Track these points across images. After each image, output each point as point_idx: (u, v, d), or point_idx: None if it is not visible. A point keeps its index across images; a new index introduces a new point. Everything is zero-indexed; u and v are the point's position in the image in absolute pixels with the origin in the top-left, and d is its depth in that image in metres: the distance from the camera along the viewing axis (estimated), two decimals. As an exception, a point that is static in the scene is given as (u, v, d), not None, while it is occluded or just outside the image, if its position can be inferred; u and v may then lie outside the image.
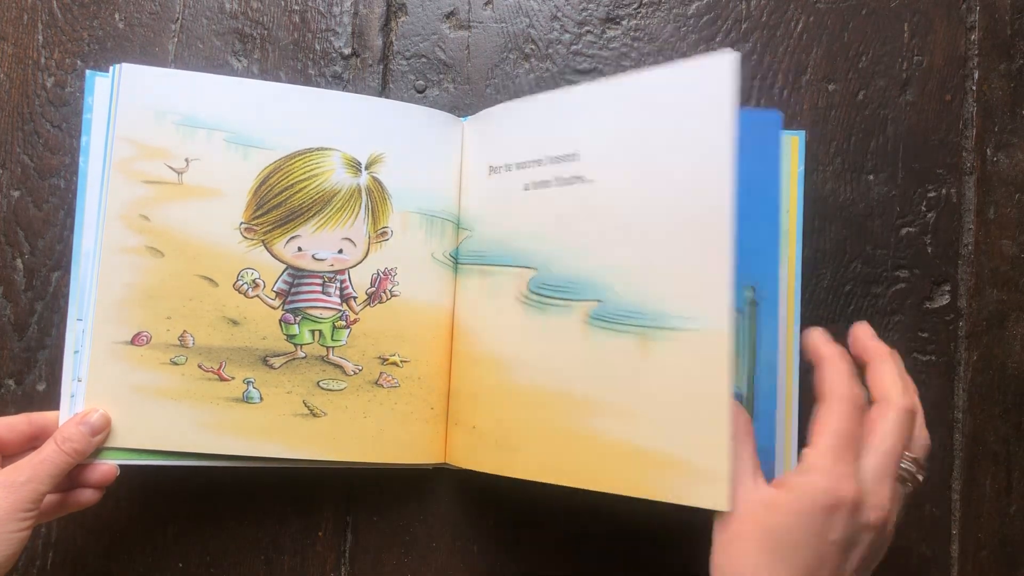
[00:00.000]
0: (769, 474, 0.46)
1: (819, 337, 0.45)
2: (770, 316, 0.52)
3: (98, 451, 0.49)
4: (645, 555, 0.56)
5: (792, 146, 0.57)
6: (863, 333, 0.46)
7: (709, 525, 0.41)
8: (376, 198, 0.53)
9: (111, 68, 0.51)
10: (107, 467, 0.49)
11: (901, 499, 0.42)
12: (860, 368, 0.45)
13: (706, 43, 0.59)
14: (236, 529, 0.56)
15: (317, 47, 0.58)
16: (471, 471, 0.52)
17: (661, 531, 0.57)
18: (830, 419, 0.41)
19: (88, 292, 0.50)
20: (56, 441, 0.46)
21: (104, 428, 0.48)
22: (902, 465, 0.41)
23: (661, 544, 0.57)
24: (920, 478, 0.42)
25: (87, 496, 0.49)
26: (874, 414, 0.41)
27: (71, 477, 0.48)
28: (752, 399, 0.51)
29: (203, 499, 0.56)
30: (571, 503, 0.57)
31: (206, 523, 0.56)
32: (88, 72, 0.52)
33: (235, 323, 0.51)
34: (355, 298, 0.53)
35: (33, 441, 0.48)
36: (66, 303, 0.55)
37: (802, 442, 0.52)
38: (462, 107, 0.58)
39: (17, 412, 0.53)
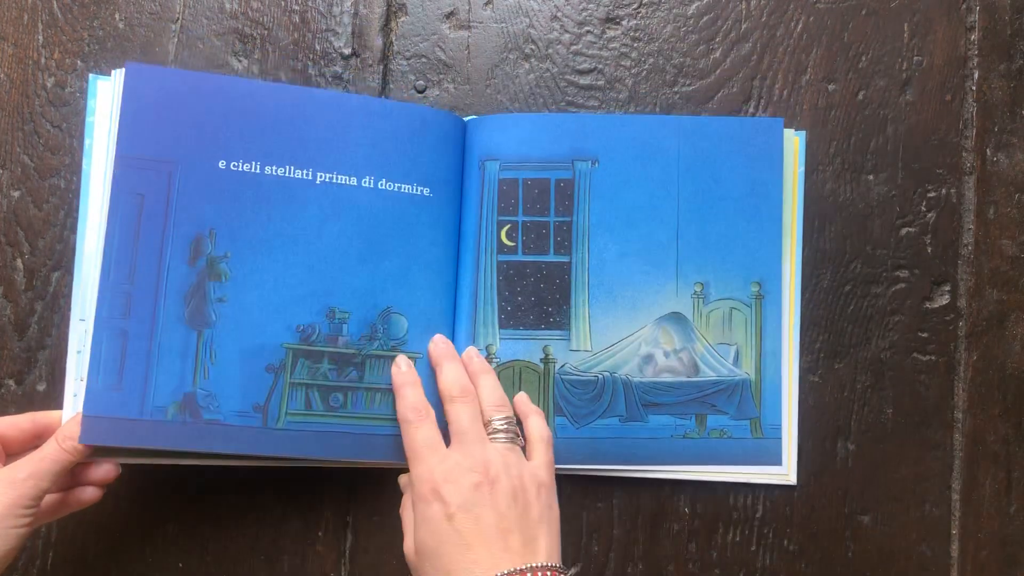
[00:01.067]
0: (775, 451, 0.56)
1: (393, 369, 0.52)
2: (774, 309, 0.56)
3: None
4: (646, 553, 0.56)
5: (792, 146, 0.57)
6: (431, 344, 0.53)
7: None
8: None
9: (112, 72, 0.52)
10: (108, 466, 0.49)
11: (514, 452, 0.49)
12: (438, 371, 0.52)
13: (706, 43, 0.59)
14: (236, 529, 0.56)
15: (317, 47, 0.58)
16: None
17: (662, 530, 0.57)
18: (405, 442, 0.49)
19: (91, 293, 0.50)
20: (57, 439, 0.47)
21: None
22: (492, 428, 0.49)
23: (662, 543, 0.57)
24: (513, 431, 0.50)
25: (88, 494, 0.49)
26: (448, 410, 0.50)
27: (73, 475, 0.49)
28: (759, 383, 0.55)
29: (203, 499, 0.56)
30: (571, 503, 0.57)
31: (206, 523, 0.56)
32: (91, 75, 0.52)
33: None
34: None
35: (36, 440, 0.49)
36: (66, 303, 0.55)
37: (802, 422, 0.57)
38: (462, 107, 0.58)
39: (17, 412, 0.53)
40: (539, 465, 0.49)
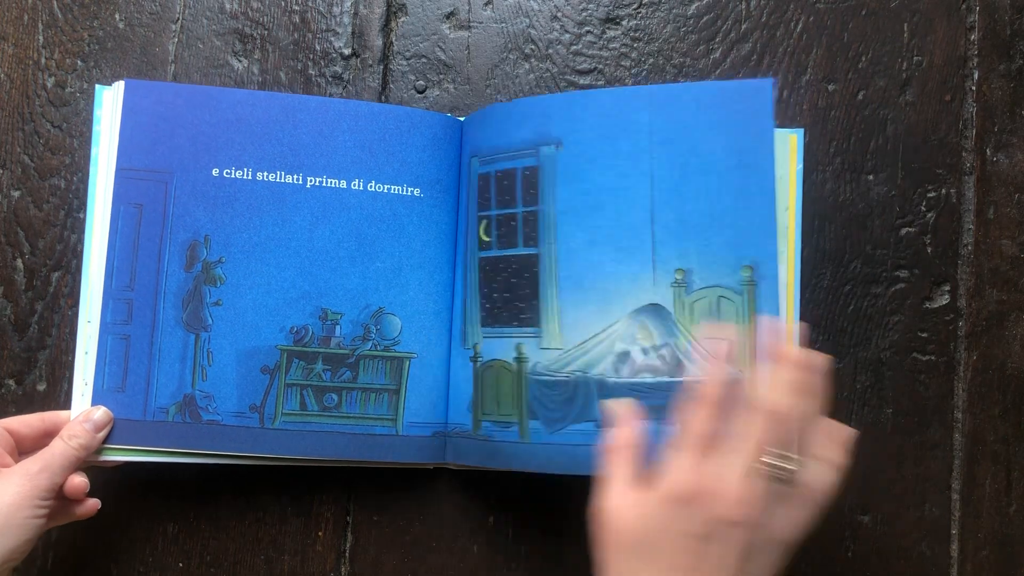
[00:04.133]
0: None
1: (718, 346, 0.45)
2: (770, 295, 0.49)
3: (102, 448, 0.51)
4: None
5: (790, 144, 0.57)
6: (774, 332, 0.46)
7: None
8: None
9: (113, 85, 0.53)
10: (92, 503, 0.50)
11: (778, 497, 0.40)
12: None
13: (706, 43, 0.59)
14: (236, 529, 0.56)
15: (317, 47, 0.58)
16: (471, 471, 0.52)
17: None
18: (688, 420, 0.42)
19: (97, 296, 0.52)
20: (63, 438, 0.49)
21: (107, 424, 0.50)
22: (765, 461, 0.40)
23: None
24: (792, 474, 0.41)
25: (87, 507, 0.51)
26: (742, 415, 0.42)
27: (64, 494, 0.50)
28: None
29: (203, 499, 0.56)
30: (570, 501, 0.57)
31: (206, 523, 0.56)
32: (97, 86, 0.53)
33: None
34: None
35: (46, 438, 0.50)
36: (66, 303, 0.55)
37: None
38: (462, 107, 0.58)
39: (17, 412, 0.54)
40: (781, 528, 0.41)
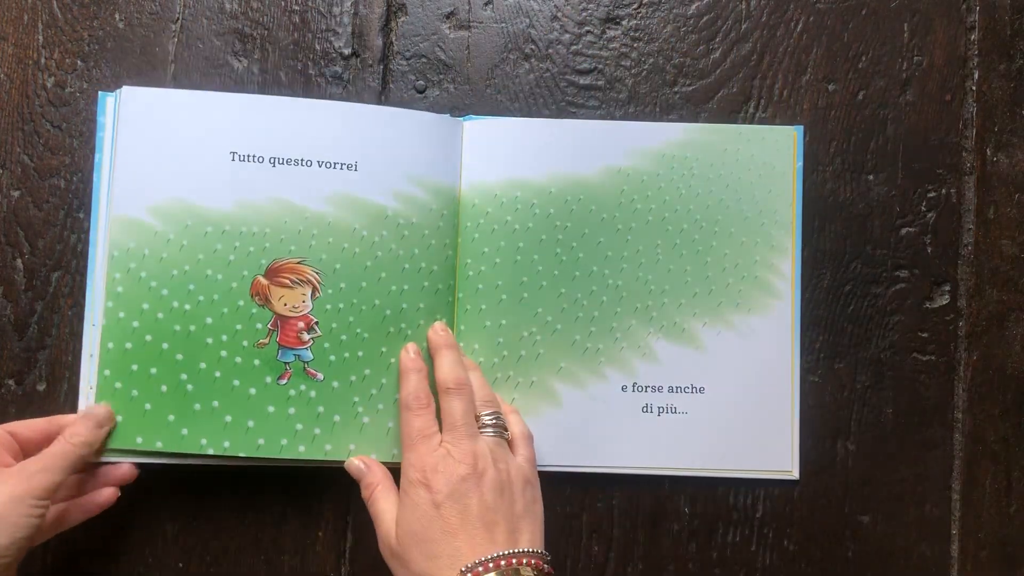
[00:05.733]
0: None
1: (402, 354, 0.53)
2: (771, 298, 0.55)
3: (104, 449, 0.51)
4: (646, 553, 0.56)
5: (791, 141, 0.57)
6: (431, 331, 0.54)
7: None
8: None
9: (115, 92, 0.54)
10: (127, 466, 0.52)
11: (501, 447, 0.50)
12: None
13: (706, 43, 0.59)
14: (236, 529, 0.56)
15: (317, 47, 0.58)
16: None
17: (661, 530, 0.57)
18: (402, 426, 0.50)
19: (100, 300, 0.52)
20: (64, 436, 0.48)
21: (109, 420, 0.51)
22: (482, 422, 0.50)
23: (661, 543, 0.57)
24: (502, 426, 0.51)
25: (105, 496, 0.51)
26: (442, 400, 0.50)
27: (93, 477, 0.51)
28: None
29: (203, 499, 0.56)
30: (571, 502, 0.57)
31: (206, 523, 0.56)
32: (100, 93, 0.54)
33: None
34: None
35: (51, 441, 0.50)
36: (66, 303, 0.55)
37: (802, 422, 0.57)
38: (462, 107, 0.58)
39: (17, 412, 0.54)
40: (524, 460, 0.51)
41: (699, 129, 0.57)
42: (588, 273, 0.56)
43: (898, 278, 0.58)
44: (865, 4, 0.59)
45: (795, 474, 0.56)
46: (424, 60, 0.59)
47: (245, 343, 0.52)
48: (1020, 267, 0.58)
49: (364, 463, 0.51)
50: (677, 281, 0.56)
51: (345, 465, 0.52)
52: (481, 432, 0.50)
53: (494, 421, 0.50)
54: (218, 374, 0.52)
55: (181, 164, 0.53)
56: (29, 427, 0.50)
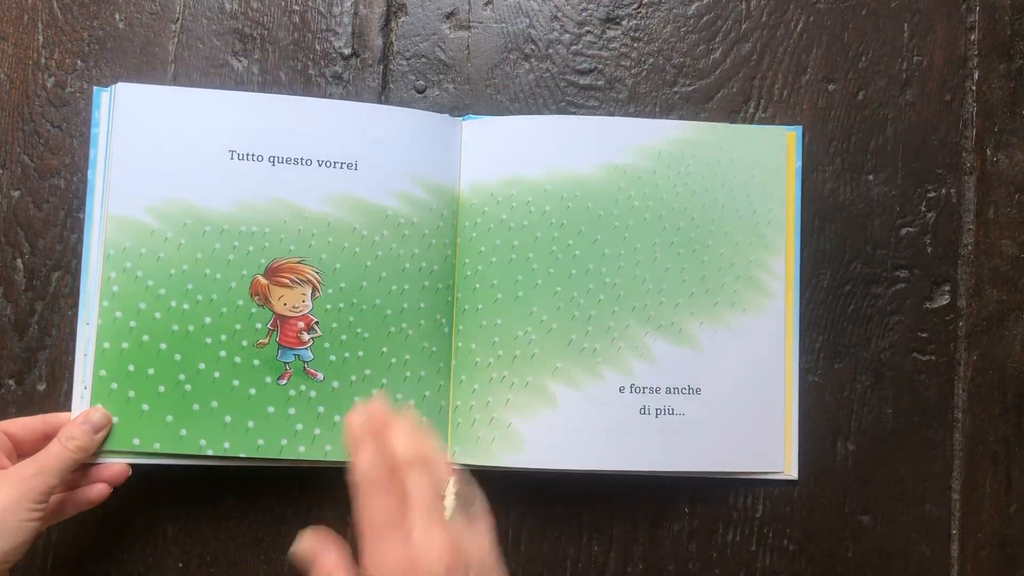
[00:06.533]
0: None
1: (352, 428, 0.41)
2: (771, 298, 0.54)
3: (100, 450, 0.50)
4: (646, 553, 0.56)
5: (789, 142, 0.57)
6: (372, 406, 0.42)
7: None
8: None
9: (110, 88, 0.53)
10: (120, 466, 0.51)
11: (469, 529, 0.39)
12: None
13: (706, 43, 0.59)
14: (236, 529, 0.56)
15: (317, 47, 0.58)
16: (471, 470, 0.52)
17: (662, 530, 0.57)
18: (361, 513, 0.38)
19: (95, 299, 0.52)
20: (60, 440, 0.48)
21: (105, 425, 0.50)
22: (446, 503, 0.39)
23: (662, 543, 0.57)
24: (469, 496, 0.40)
25: (96, 492, 0.50)
26: (403, 479, 0.39)
27: (84, 474, 0.50)
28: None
29: (203, 499, 0.56)
30: (571, 503, 0.57)
31: (206, 523, 0.56)
32: (95, 88, 0.54)
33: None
34: None
35: (47, 440, 0.49)
36: (66, 303, 0.55)
37: (802, 422, 0.57)
38: (462, 107, 0.58)
39: (17, 412, 0.54)
40: (487, 545, 0.40)
41: (695, 127, 0.57)
42: (585, 271, 0.55)
43: (898, 278, 0.58)
44: (865, 4, 0.59)
45: (792, 474, 0.56)
46: (424, 60, 0.59)
47: (244, 343, 0.52)
48: (1020, 267, 0.58)
49: (315, 546, 0.40)
50: (674, 280, 0.56)
51: (290, 552, 0.40)
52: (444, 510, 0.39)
53: (456, 497, 0.40)
54: (217, 374, 0.52)
55: (179, 162, 0.52)
56: (23, 426, 0.50)
